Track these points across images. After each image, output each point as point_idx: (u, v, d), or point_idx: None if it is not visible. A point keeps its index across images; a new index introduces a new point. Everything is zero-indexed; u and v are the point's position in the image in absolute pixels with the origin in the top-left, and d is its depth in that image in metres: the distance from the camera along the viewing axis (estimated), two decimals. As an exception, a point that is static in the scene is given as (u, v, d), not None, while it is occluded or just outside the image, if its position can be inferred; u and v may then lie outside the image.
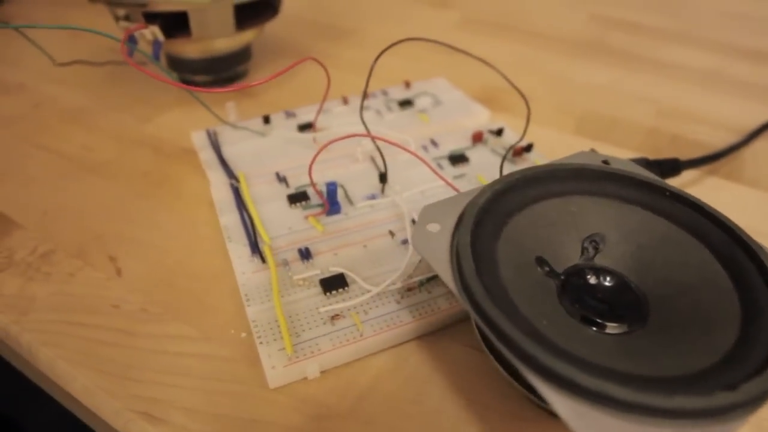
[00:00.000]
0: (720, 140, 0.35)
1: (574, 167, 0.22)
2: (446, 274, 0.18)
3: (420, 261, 0.23)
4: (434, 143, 0.31)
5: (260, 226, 0.24)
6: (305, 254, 0.23)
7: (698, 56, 0.45)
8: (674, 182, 0.29)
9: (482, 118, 0.34)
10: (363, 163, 0.29)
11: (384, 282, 0.22)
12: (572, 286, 0.20)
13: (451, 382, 0.20)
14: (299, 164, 0.29)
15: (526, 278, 0.19)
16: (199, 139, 0.31)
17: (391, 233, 0.25)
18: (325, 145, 0.23)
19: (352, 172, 0.28)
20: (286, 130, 0.31)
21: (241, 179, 0.27)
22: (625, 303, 0.20)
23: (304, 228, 0.25)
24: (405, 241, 0.24)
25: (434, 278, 0.23)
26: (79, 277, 0.24)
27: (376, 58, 0.26)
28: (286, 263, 0.23)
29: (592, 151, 0.27)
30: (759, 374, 0.15)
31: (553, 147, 0.31)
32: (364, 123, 0.26)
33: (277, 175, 0.28)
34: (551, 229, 0.21)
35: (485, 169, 0.29)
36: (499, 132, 0.31)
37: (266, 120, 0.32)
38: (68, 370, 0.20)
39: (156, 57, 0.32)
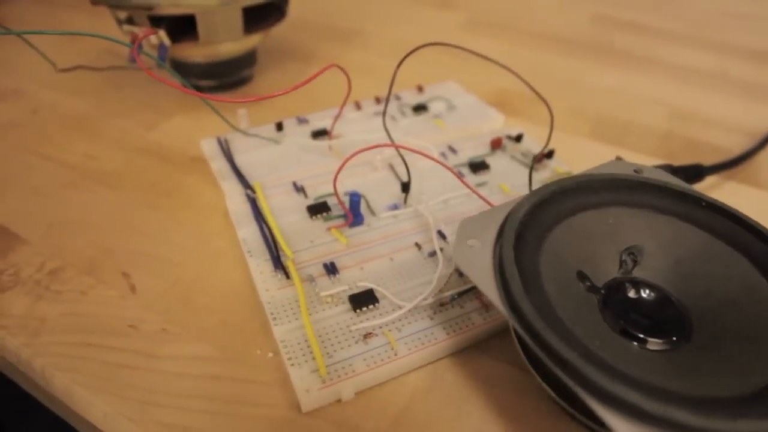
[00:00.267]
0: (733, 143, 0.34)
1: (608, 178, 0.22)
2: (492, 293, 0.17)
3: (451, 275, 0.22)
4: (452, 150, 0.30)
5: (281, 240, 0.23)
6: (331, 269, 0.22)
7: (702, 57, 0.45)
8: (696, 188, 0.29)
9: (497, 122, 0.33)
10: (382, 172, 0.28)
11: (414, 297, 0.22)
12: (614, 301, 0.20)
13: (490, 400, 0.20)
14: (316, 173, 0.28)
15: (569, 294, 0.19)
16: (209, 148, 0.30)
17: (418, 245, 0.24)
18: (351, 156, 0.23)
19: (371, 181, 0.27)
20: (299, 137, 0.30)
21: (258, 190, 0.26)
22: (668, 318, 0.19)
23: (327, 241, 0.24)
24: (432, 254, 0.24)
25: (466, 292, 0.22)
26: (91, 295, 0.23)
27: (398, 65, 0.25)
28: (311, 279, 0.22)
29: (618, 158, 0.26)
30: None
31: (570, 152, 0.31)
32: (387, 132, 0.25)
33: (295, 184, 0.27)
34: (589, 241, 0.21)
35: (506, 176, 0.28)
36: (518, 138, 0.30)
37: (279, 127, 0.31)
38: (86, 397, 0.19)
39: (162, 62, 0.30)
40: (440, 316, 0.21)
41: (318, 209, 0.25)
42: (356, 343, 0.20)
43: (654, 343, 0.19)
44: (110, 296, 0.23)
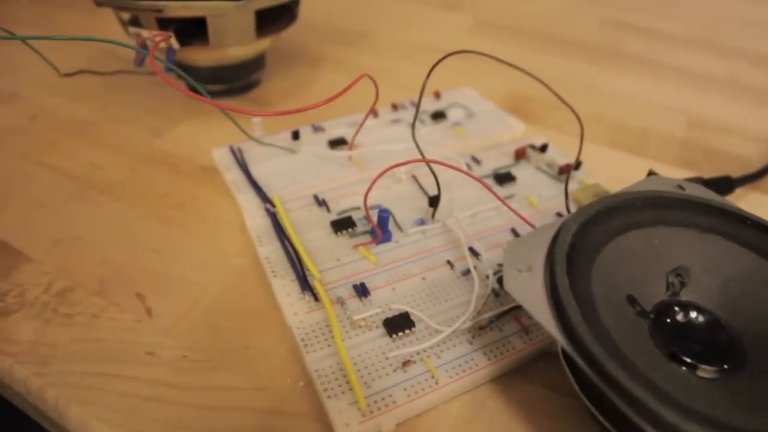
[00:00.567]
0: (752, 151, 0.34)
1: (652, 196, 0.21)
2: (549, 324, 0.16)
3: (488, 296, 0.21)
4: (476, 160, 0.29)
5: (307, 259, 0.22)
6: (361, 290, 0.21)
7: (713, 62, 0.44)
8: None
9: (518, 131, 0.32)
10: (406, 184, 0.27)
11: (451, 319, 0.21)
12: (664, 326, 0.19)
13: (533, 428, 0.19)
14: (336, 185, 0.27)
15: (621, 320, 0.18)
16: (221, 157, 0.28)
17: (450, 263, 0.23)
18: (383, 172, 0.21)
19: (395, 194, 0.26)
20: (316, 147, 0.29)
21: (277, 203, 0.25)
22: (720, 343, 0.18)
23: (355, 259, 0.23)
24: (466, 272, 0.22)
25: (505, 315, 0.21)
26: (104, 319, 0.21)
27: (428, 75, 0.24)
28: (341, 301, 0.21)
29: (652, 173, 0.25)
30: None
31: (591, 161, 0.30)
32: (418, 146, 0.24)
33: (316, 198, 0.26)
34: (636, 263, 0.20)
35: (533, 188, 0.27)
36: (543, 148, 0.29)
37: (295, 136, 0.29)
38: (105, 432, 0.18)
39: (169, 67, 0.29)
40: (480, 341, 0.20)
41: (343, 225, 0.24)
42: (394, 371, 0.19)
43: (705, 370, 0.18)
44: (124, 320, 0.21)
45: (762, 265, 0.20)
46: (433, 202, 0.25)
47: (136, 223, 0.26)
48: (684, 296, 0.20)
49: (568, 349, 0.16)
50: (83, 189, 0.27)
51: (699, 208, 0.21)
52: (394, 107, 0.33)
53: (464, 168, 0.24)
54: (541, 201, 0.27)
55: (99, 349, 0.20)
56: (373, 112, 0.32)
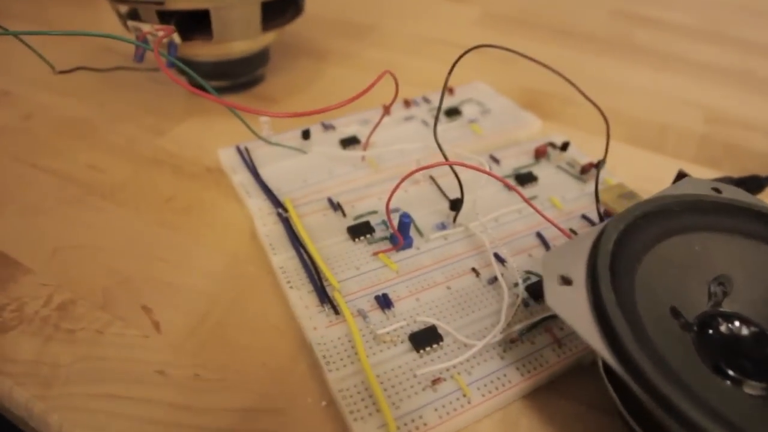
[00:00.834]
0: (773, 147, 0.33)
1: (691, 200, 0.20)
2: (595, 341, 0.15)
3: (518, 307, 0.20)
4: (495, 159, 0.28)
5: (326, 269, 0.21)
6: (384, 302, 0.20)
7: (725, 55, 0.43)
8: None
9: (534, 127, 0.31)
10: (423, 185, 0.26)
11: (480, 332, 0.19)
12: (708, 339, 0.18)
13: (572, 451, 0.18)
14: (351, 188, 0.25)
15: (667, 334, 0.17)
16: (228, 158, 0.27)
17: (475, 271, 0.22)
18: (407, 177, 0.20)
19: (413, 196, 0.25)
20: (328, 146, 0.28)
21: (290, 208, 0.24)
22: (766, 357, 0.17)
23: (375, 267, 0.22)
24: (492, 281, 0.21)
25: (535, 326, 0.20)
26: (108, 335, 0.20)
27: (450, 71, 0.23)
28: (363, 314, 0.20)
29: (683, 173, 0.24)
30: None
31: (611, 159, 0.29)
32: (440, 148, 0.22)
33: (330, 201, 0.24)
34: (677, 271, 0.19)
35: (556, 189, 0.26)
36: (564, 147, 0.28)
37: (306, 135, 0.28)
38: (115, 461, 0.17)
39: (171, 63, 0.27)
40: (511, 355, 0.19)
41: (360, 230, 0.23)
42: (423, 390, 0.18)
43: (752, 386, 0.17)
44: (131, 336, 0.20)
45: (809, 272, 0.19)
46: (455, 205, 0.23)
47: (140, 229, 0.24)
48: (726, 306, 0.19)
49: (618, 369, 0.15)
50: (83, 193, 0.26)
51: (740, 213, 0.20)
52: (407, 104, 0.31)
53: (487, 169, 0.23)
54: (565, 202, 0.25)
55: (104, 368, 0.19)
56: (385, 109, 0.31)
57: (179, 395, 0.18)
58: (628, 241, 0.18)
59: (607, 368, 0.17)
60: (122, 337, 0.20)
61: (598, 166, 0.25)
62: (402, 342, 0.19)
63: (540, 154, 0.28)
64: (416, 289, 0.21)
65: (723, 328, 0.18)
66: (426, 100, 0.32)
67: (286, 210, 0.24)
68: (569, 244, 0.18)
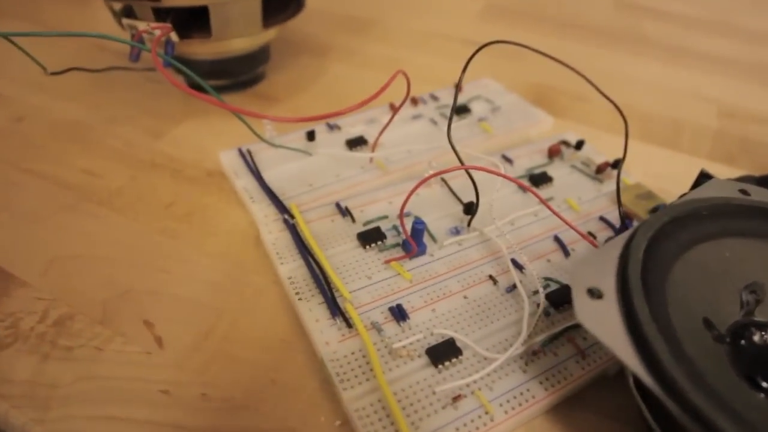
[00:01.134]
0: (790, 142, 0.32)
1: (718, 203, 0.19)
2: (630, 359, 0.14)
3: (539, 317, 0.19)
4: (507, 160, 0.27)
5: (336, 279, 0.20)
6: (399, 314, 0.19)
7: (735, 47, 0.42)
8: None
9: (546, 125, 0.30)
10: (434, 188, 0.25)
11: (500, 343, 0.18)
12: (742, 350, 0.17)
13: (601, 470, 0.17)
14: (359, 191, 0.24)
15: (701, 347, 0.16)
16: (230, 161, 0.26)
17: (493, 279, 0.21)
18: (422, 182, 0.19)
19: (424, 199, 0.24)
20: (333, 148, 0.27)
21: (296, 214, 0.23)
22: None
23: (387, 276, 0.21)
24: (511, 289, 0.20)
25: (557, 337, 0.19)
26: (109, 352, 0.19)
27: (464, 69, 0.22)
28: (377, 327, 0.19)
29: (705, 173, 0.23)
30: None
31: (626, 158, 0.28)
32: (455, 152, 0.21)
33: (339, 206, 0.23)
34: (707, 280, 0.18)
35: (571, 189, 0.25)
36: (578, 145, 0.27)
37: (311, 136, 0.27)
38: (119, 489, 0.16)
39: (168, 63, 0.26)
40: (534, 368, 0.18)
41: (371, 237, 0.22)
42: (443, 408, 0.17)
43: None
44: (132, 353, 0.19)
45: None
46: (470, 209, 0.22)
47: (139, 237, 0.23)
48: (759, 315, 0.18)
49: (656, 390, 0.14)
50: (78, 200, 0.25)
51: (770, 216, 0.19)
52: (414, 102, 0.30)
53: (502, 171, 0.22)
54: (581, 204, 0.25)
55: (105, 388, 0.18)
56: (392, 107, 0.30)
57: (186, 416, 0.17)
58: (657, 249, 0.17)
59: (638, 383, 0.16)
60: (123, 354, 0.19)
61: (617, 166, 0.24)
62: (419, 356, 0.18)
63: (554, 153, 0.27)
64: (431, 299, 0.20)
65: (756, 338, 0.17)
66: (434, 98, 0.31)
67: (292, 216, 0.23)
68: (596, 253, 0.17)
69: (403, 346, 0.18)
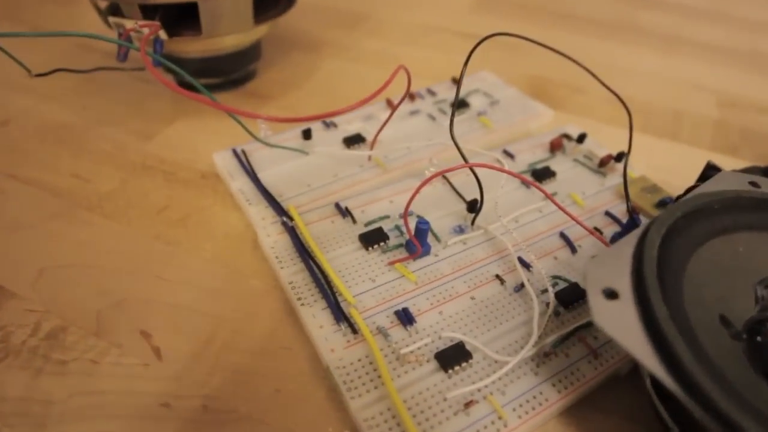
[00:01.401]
0: (792, 132, 0.32)
1: (730, 197, 0.18)
2: (650, 360, 0.14)
3: (549, 317, 0.19)
4: (509, 155, 0.26)
5: (340, 283, 0.19)
6: (405, 317, 0.19)
7: (732, 36, 0.42)
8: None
9: (546, 118, 0.30)
10: (435, 185, 0.24)
11: (510, 346, 0.18)
12: (758, 347, 0.16)
13: (618, 474, 0.16)
14: (358, 191, 0.24)
15: (720, 346, 0.15)
16: (224, 162, 0.25)
17: (500, 278, 0.20)
18: (426, 182, 0.18)
19: (425, 198, 0.23)
20: (330, 146, 0.26)
21: (295, 216, 0.22)
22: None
23: (391, 279, 0.20)
24: (518, 288, 0.20)
25: (568, 337, 0.18)
26: (105, 365, 0.18)
27: (465, 63, 0.21)
28: (383, 332, 0.18)
29: (711, 165, 0.23)
30: None
31: (623, 149, 0.27)
32: (459, 149, 0.20)
33: (338, 207, 0.23)
34: (722, 276, 0.17)
35: (575, 184, 0.25)
36: (580, 139, 0.27)
37: (307, 135, 0.26)
38: None
39: (157, 62, 0.25)
40: (545, 370, 0.18)
41: (373, 238, 0.21)
42: (455, 414, 0.16)
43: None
44: (130, 365, 0.18)
45: None
46: (473, 207, 0.22)
47: (132, 244, 0.22)
48: (775, 310, 0.17)
49: (679, 393, 0.13)
50: (68, 206, 0.24)
51: (783, 208, 0.18)
52: (411, 97, 0.30)
53: (505, 167, 0.21)
54: (585, 198, 0.24)
55: (103, 403, 0.17)
56: (390, 103, 0.29)
57: (187, 430, 0.17)
58: (671, 245, 0.16)
59: (656, 383, 0.16)
60: (120, 367, 0.18)
61: (620, 158, 0.24)
62: (428, 361, 0.17)
63: (555, 147, 0.26)
64: (438, 301, 0.19)
65: (773, 333, 0.17)
66: (431, 93, 0.30)
67: (291, 218, 0.22)
68: (608, 252, 0.16)
69: (411, 351, 0.18)
